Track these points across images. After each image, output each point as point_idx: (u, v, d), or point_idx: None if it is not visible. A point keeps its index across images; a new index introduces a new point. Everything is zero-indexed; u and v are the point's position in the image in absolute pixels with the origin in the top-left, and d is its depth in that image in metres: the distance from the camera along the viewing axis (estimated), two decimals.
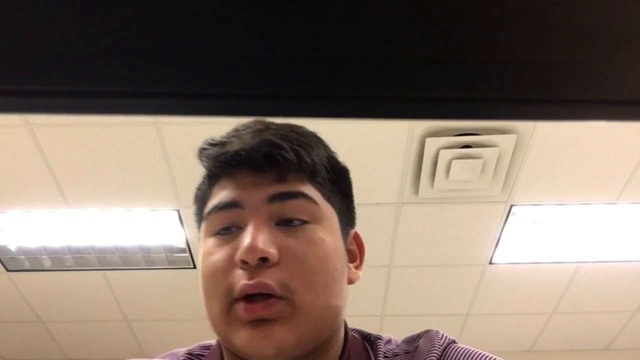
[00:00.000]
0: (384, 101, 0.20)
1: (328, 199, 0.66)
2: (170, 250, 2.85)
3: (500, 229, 2.72)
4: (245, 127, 0.66)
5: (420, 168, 2.40)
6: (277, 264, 0.59)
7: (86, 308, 3.23)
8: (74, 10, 0.18)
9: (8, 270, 2.97)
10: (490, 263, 2.93)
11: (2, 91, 0.19)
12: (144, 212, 2.62)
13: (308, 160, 0.64)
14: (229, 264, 0.61)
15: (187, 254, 2.87)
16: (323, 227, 0.64)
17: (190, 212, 2.67)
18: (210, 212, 0.65)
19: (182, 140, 2.29)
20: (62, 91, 0.20)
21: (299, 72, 0.20)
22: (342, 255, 0.66)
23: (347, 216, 0.70)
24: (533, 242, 2.80)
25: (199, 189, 0.71)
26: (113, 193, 2.52)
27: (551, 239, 2.78)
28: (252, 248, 0.58)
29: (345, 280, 0.67)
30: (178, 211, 2.62)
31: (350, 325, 0.74)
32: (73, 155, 2.36)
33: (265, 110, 0.21)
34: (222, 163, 0.64)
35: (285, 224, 0.62)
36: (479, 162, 2.32)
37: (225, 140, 0.66)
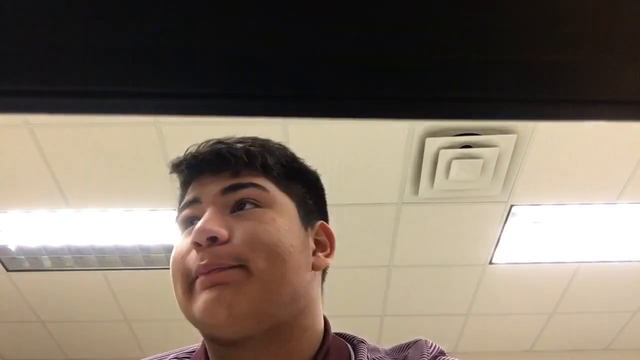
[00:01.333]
0: (384, 101, 0.20)
1: (285, 189, 0.71)
2: (170, 250, 2.84)
3: (500, 229, 2.72)
4: (203, 142, 0.75)
5: (420, 168, 2.40)
6: (228, 241, 0.63)
7: (86, 308, 3.23)
8: (74, 10, 0.18)
9: (8, 270, 2.97)
10: (490, 263, 2.93)
11: (2, 91, 0.20)
12: (144, 212, 2.62)
13: (258, 156, 0.70)
14: (188, 250, 0.66)
15: None
16: (275, 210, 0.68)
17: None
18: (178, 212, 0.71)
19: (182, 140, 2.29)
20: (62, 91, 0.20)
21: (299, 72, 0.20)
22: (301, 237, 0.69)
23: (310, 207, 0.74)
24: (533, 242, 2.80)
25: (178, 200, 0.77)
26: (113, 193, 2.52)
27: (551, 239, 2.78)
28: (201, 229, 0.63)
29: (307, 261, 0.69)
30: None
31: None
32: (73, 155, 2.36)
33: (265, 110, 0.21)
34: (184, 169, 0.72)
35: (237, 208, 0.67)
36: (479, 162, 2.32)
37: (186, 154, 0.74)
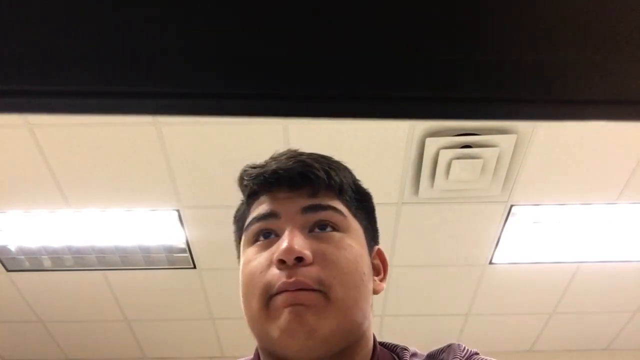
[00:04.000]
0: (384, 101, 0.20)
1: (354, 214, 0.73)
2: (170, 250, 2.85)
3: (500, 229, 2.72)
4: (281, 154, 0.74)
5: (420, 168, 2.40)
6: (311, 264, 0.65)
7: (86, 308, 3.23)
8: (74, 10, 0.18)
9: (8, 270, 2.97)
10: (490, 263, 2.93)
11: (2, 91, 0.20)
12: (144, 212, 2.62)
13: (337, 179, 0.72)
14: (267, 266, 0.66)
15: (187, 254, 2.87)
16: (350, 236, 0.70)
17: (190, 212, 2.68)
18: (250, 223, 0.71)
19: (182, 140, 2.29)
20: (62, 91, 0.20)
21: (299, 72, 0.20)
22: (368, 264, 0.73)
23: (371, 233, 0.78)
24: (533, 242, 2.80)
25: (237, 210, 0.78)
26: (113, 193, 2.52)
27: (551, 239, 2.78)
28: (289, 249, 0.64)
29: (371, 287, 0.72)
30: (178, 211, 2.62)
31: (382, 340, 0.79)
32: (73, 155, 2.36)
33: (265, 110, 0.21)
34: (261, 181, 0.71)
35: (317, 229, 0.69)
36: (479, 162, 2.32)
37: (262, 164, 0.73)
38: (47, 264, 2.93)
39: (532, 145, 2.31)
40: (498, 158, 2.33)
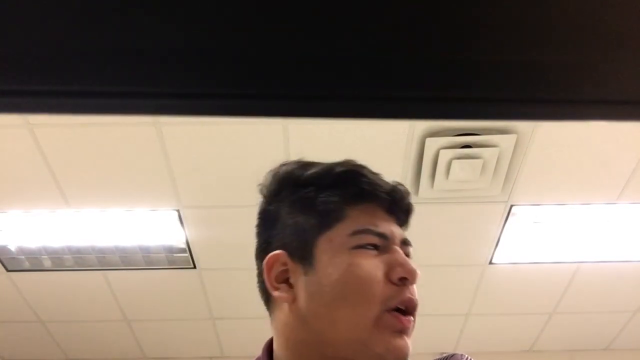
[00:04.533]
0: (384, 101, 0.20)
1: None
2: (170, 250, 2.85)
3: (500, 229, 2.72)
4: (358, 165, 0.79)
5: (420, 168, 2.40)
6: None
7: (86, 308, 3.23)
8: (74, 11, 0.18)
9: (8, 270, 2.97)
10: (490, 263, 2.93)
11: (2, 91, 0.20)
12: (144, 212, 2.62)
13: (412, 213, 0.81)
14: (383, 278, 0.70)
15: (187, 254, 2.87)
16: None
17: (190, 212, 2.68)
18: (361, 232, 0.73)
19: (182, 140, 2.29)
20: (62, 91, 0.20)
21: (299, 72, 0.20)
22: None
23: None
24: (533, 242, 2.80)
25: (324, 199, 0.75)
26: (113, 193, 2.52)
27: (551, 239, 2.77)
28: (414, 271, 0.71)
29: None
30: (178, 211, 2.62)
31: None
32: (73, 155, 2.36)
33: (265, 110, 0.21)
34: (369, 193, 0.75)
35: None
36: (479, 162, 2.32)
37: (361, 171, 0.78)
38: (47, 264, 2.93)
39: (532, 145, 2.31)
40: (498, 158, 2.33)
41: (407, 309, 0.70)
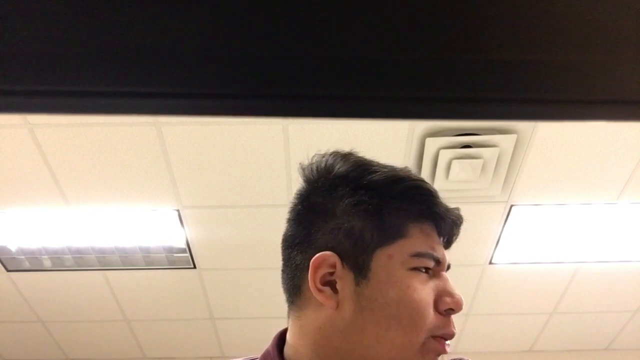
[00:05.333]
0: (384, 101, 0.20)
1: None
2: (170, 250, 2.85)
3: (500, 229, 2.72)
4: (422, 180, 0.79)
5: (420, 168, 2.40)
6: None
7: (86, 308, 3.23)
8: (74, 11, 0.18)
9: (8, 270, 2.97)
10: (490, 263, 2.93)
11: (2, 91, 0.20)
12: (144, 212, 2.62)
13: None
14: (432, 305, 0.70)
15: (187, 254, 2.87)
16: None
17: (190, 212, 2.68)
18: (421, 255, 0.71)
19: (182, 140, 2.29)
20: (62, 91, 0.20)
21: (299, 72, 0.20)
22: None
23: None
24: (533, 242, 2.80)
25: (390, 211, 0.73)
26: (113, 193, 2.52)
27: (551, 239, 2.77)
28: (462, 304, 0.71)
29: None
30: (178, 211, 2.62)
31: None
32: (73, 155, 2.36)
33: (265, 110, 0.21)
34: (434, 214, 0.75)
35: None
36: (479, 162, 2.32)
37: (429, 188, 0.78)
38: (47, 264, 2.93)
39: (532, 145, 2.31)
40: (498, 158, 2.33)
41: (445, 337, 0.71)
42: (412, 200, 0.74)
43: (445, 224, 0.76)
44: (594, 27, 0.19)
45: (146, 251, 2.86)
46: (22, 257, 2.88)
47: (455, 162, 2.32)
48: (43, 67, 0.19)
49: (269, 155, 2.32)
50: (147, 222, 2.68)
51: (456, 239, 0.78)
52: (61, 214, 2.62)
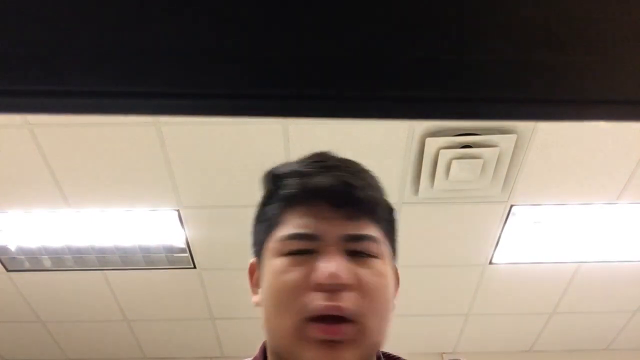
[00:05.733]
0: (384, 101, 0.20)
1: (385, 237, 0.73)
2: (170, 250, 2.85)
3: (500, 229, 2.72)
4: (317, 160, 0.73)
5: (420, 168, 2.40)
6: (349, 289, 0.66)
7: (86, 308, 3.23)
8: (74, 11, 0.18)
9: (8, 270, 2.97)
10: (490, 263, 2.93)
11: (2, 91, 0.20)
12: (144, 212, 2.62)
13: (377, 203, 0.71)
14: (304, 284, 0.66)
15: (187, 254, 2.87)
16: (384, 263, 0.71)
17: (190, 212, 2.68)
18: (285, 237, 0.69)
19: (182, 140, 2.29)
20: (62, 91, 0.20)
21: (299, 72, 0.20)
22: (394, 288, 0.74)
23: (394, 252, 0.77)
24: (533, 242, 2.80)
25: (265, 203, 0.75)
26: (113, 193, 2.52)
27: (551, 239, 2.77)
28: (334, 274, 0.65)
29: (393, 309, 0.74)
30: (178, 211, 2.62)
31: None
32: (73, 155, 2.36)
33: (265, 110, 0.21)
34: (304, 193, 0.70)
35: (355, 255, 0.69)
36: (479, 162, 2.32)
37: (303, 170, 0.71)
38: (47, 264, 2.93)
39: (532, 145, 2.31)
40: (498, 158, 2.33)
41: (336, 317, 0.64)
42: (284, 187, 0.72)
43: (327, 198, 0.68)
44: (594, 27, 0.19)
45: (146, 251, 2.86)
46: (22, 257, 2.88)
47: (455, 162, 2.32)
48: (43, 67, 0.19)
49: (269, 155, 2.32)
50: (147, 222, 2.68)
51: (361, 204, 0.69)
52: (61, 213, 2.62)
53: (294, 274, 0.67)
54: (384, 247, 0.71)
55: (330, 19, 0.19)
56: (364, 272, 0.67)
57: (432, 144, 2.29)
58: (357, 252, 0.68)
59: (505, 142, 2.28)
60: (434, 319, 3.32)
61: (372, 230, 0.70)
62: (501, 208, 2.61)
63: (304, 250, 0.68)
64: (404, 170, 2.42)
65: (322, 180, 0.69)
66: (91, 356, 3.63)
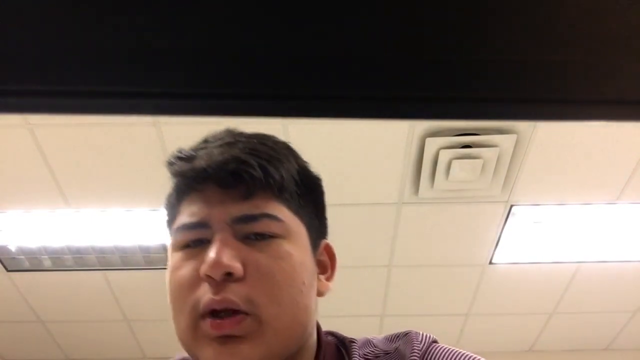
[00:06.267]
0: (384, 101, 0.20)
1: (296, 213, 0.66)
2: None
3: (500, 229, 2.72)
4: (215, 139, 0.67)
5: (420, 168, 2.40)
6: (242, 278, 0.59)
7: (86, 308, 3.23)
8: (74, 11, 0.18)
9: (8, 270, 2.97)
10: (490, 263, 2.93)
11: (2, 91, 0.20)
12: (144, 212, 2.62)
13: (276, 176, 0.63)
14: (195, 279, 0.60)
15: None
16: (290, 242, 0.64)
17: None
18: (178, 229, 0.64)
19: (182, 140, 2.28)
20: (62, 91, 0.20)
21: (299, 72, 0.20)
22: (311, 269, 0.66)
23: (317, 229, 0.70)
24: (533, 242, 2.80)
25: (168, 197, 0.69)
26: (113, 193, 2.52)
27: (551, 239, 2.78)
28: (216, 263, 0.58)
29: (314, 293, 0.67)
30: None
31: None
32: (73, 155, 2.36)
33: (265, 110, 0.21)
34: (188, 179, 0.64)
35: (251, 238, 0.62)
36: (479, 162, 2.32)
37: (192, 154, 0.65)
38: (47, 264, 2.93)
39: (532, 145, 2.31)
40: (498, 158, 2.33)
41: (218, 313, 0.58)
42: (174, 177, 0.66)
43: (215, 176, 0.62)
44: (593, 27, 0.19)
45: (146, 251, 2.86)
46: (22, 257, 2.88)
47: (455, 162, 2.32)
48: (43, 67, 0.19)
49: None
50: (147, 222, 2.68)
51: (245, 175, 0.61)
52: (61, 213, 2.62)
53: (186, 269, 0.61)
54: (292, 225, 0.64)
55: (330, 18, 0.19)
56: (258, 257, 0.60)
57: (432, 144, 2.29)
58: (252, 234, 0.62)
59: (505, 142, 2.28)
60: (434, 319, 3.32)
61: (272, 208, 0.63)
62: (501, 208, 2.61)
63: (197, 241, 0.62)
64: (404, 170, 2.42)
65: (210, 160, 0.62)
66: (91, 356, 3.63)
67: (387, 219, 2.64)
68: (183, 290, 0.61)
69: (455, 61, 0.20)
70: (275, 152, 0.65)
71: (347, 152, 2.28)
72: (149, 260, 2.92)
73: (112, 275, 3.01)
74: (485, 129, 2.25)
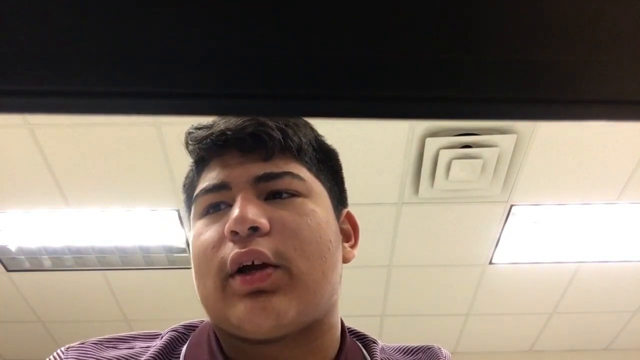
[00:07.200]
0: (384, 101, 0.20)
1: (317, 175, 0.66)
2: (170, 250, 2.85)
3: (500, 229, 2.72)
4: (201, 125, 0.66)
5: (420, 168, 2.40)
6: (268, 233, 0.58)
7: (86, 308, 3.23)
8: (74, 10, 0.18)
9: (8, 270, 2.97)
10: (490, 263, 2.93)
11: (2, 91, 0.19)
12: (144, 212, 2.62)
13: (295, 138, 0.63)
14: (220, 240, 0.59)
15: (188, 254, 2.86)
16: (313, 201, 0.63)
17: None
18: (198, 195, 0.64)
19: (182, 140, 2.29)
20: (62, 91, 0.20)
21: (299, 72, 0.20)
22: (336, 230, 0.65)
23: (337, 195, 0.70)
24: (533, 242, 2.80)
25: (187, 177, 0.70)
26: (113, 193, 2.52)
27: (551, 239, 2.78)
28: (241, 218, 0.57)
29: (340, 255, 0.65)
30: (178, 211, 2.62)
31: (350, 325, 0.74)
32: (73, 155, 2.36)
33: (265, 110, 0.21)
34: (208, 144, 0.63)
35: (274, 197, 0.61)
36: (479, 162, 2.32)
37: (211, 124, 0.65)
38: (47, 264, 2.93)
39: (532, 145, 2.31)
40: (498, 158, 2.33)
41: (246, 268, 0.57)
42: (192, 147, 0.66)
43: (235, 140, 0.62)
44: (593, 27, 0.19)
45: (146, 251, 2.86)
46: (22, 257, 2.88)
47: (455, 162, 2.32)
48: (43, 67, 0.19)
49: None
50: (147, 222, 2.68)
51: (265, 137, 0.61)
52: (61, 213, 2.62)
53: (210, 232, 0.60)
54: (312, 186, 0.64)
55: (331, 18, 0.19)
56: (282, 214, 0.59)
57: (432, 144, 2.29)
58: (275, 192, 0.61)
59: (505, 142, 2.28)
60: (434, 319, 3.32)
61: (293, 167, 0.63)
62: (501, 208, 2.61)
63: (218, 205, 0.62)
64: (404, 170, 2.42)
65: (228, 124, 0.62)
66: None
67: (387, 219, 2.64)
68: (207, 252, 0.60)
69: (455, 61, 0.20)
70: (292, 120, 0.65)
71: (347, 152, 2.28)
72: (149, 260, 2.92)
73: (112, 275, 3.01)
74: (485, 129, 2.25)
